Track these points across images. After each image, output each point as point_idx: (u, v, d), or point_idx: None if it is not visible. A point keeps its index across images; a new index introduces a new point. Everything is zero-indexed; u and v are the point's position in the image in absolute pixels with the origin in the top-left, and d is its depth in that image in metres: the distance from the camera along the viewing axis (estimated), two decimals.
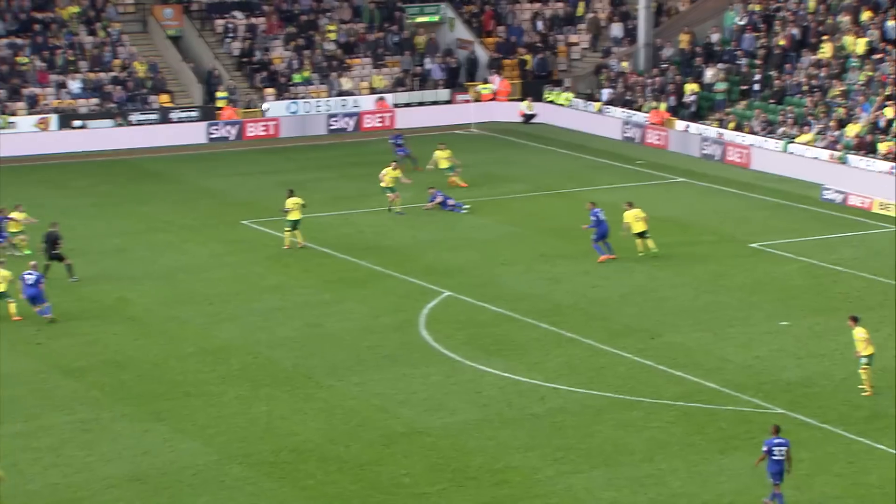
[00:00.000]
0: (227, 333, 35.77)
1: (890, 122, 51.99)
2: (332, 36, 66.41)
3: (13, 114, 57.65)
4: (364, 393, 31.93)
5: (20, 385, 31.75)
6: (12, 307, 36.18)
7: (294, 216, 42.76)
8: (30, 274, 36.09)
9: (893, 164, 49.55)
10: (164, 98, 61.16)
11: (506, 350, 34.70)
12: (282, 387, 32.18)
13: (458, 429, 29.96)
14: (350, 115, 62.89)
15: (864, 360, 31.09)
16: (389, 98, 64.25)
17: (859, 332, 31.24)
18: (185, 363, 33.55)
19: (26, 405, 30.66)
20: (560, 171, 55.44)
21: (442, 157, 52.13)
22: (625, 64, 64.63)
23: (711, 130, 57.72)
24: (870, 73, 55.29)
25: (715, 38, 63.24)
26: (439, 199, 47.92)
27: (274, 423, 30.11)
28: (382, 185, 47.91)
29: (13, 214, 42.35)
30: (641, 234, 42.09)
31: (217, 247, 43.96)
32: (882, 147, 51.04)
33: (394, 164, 48.89)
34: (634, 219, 41.91)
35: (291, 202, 42.81)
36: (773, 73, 58.94)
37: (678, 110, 60.36)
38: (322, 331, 36.14)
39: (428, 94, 65.58)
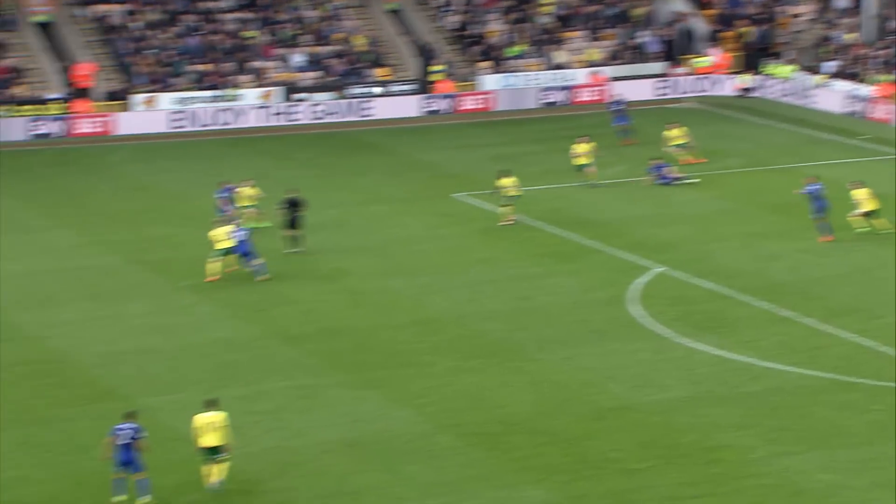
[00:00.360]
0: (438, 305, 36.10)
1: None
2: (548, 9, 66.17)
3: (239, 87, 59.31)
4: (572, 367, 31.79)
5: (242, 351, 32.70)
6: (217, 266, 37.27)
7: (511, 192, 42.53)
8: (237, 231, 37.06)
9: None
10: (382, 71, 62.03)
11: (718, 327, 34.05)
12: (491, 359, 32.30)
13: (669, 405, 29.57)
14: (564, 88, 62.61)
15: None
16: (604, 71, 63.69)
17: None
18: (398, 333, 34.00)
19: (248, 370, 31.56)
20: (778, 146, 54.09)
21: (673, 136, 50.82)
22: (850, 36, 62.48)
23: None
24: None
25: None
26: (661, 171, 47.11)
27: (483, 395, 30.25)
28: (577, 162, 47.31)
29: (242, 189, 43.16)
30: (870, 213, 40.72)
31: (429, 219, 44.39)
32: None
33: (586, 137, 48.05)
34: (866, 196, 40.54)
35: (506, 182, 42.57)
36: None
37: None
38: (531, 304, 36.12)
39: (643, 68, 64.77)
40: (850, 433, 27.94)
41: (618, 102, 54.98)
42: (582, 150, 47.29)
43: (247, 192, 43.08)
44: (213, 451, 25.23)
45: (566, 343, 33.19)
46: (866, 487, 25.64)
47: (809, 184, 41.19)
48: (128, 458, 24.64)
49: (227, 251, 37.12)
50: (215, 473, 25.33)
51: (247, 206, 42.57)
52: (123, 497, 24.93)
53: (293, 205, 39.89)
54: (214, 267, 37.31)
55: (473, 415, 29.19)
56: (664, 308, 35.33)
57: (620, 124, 53.52)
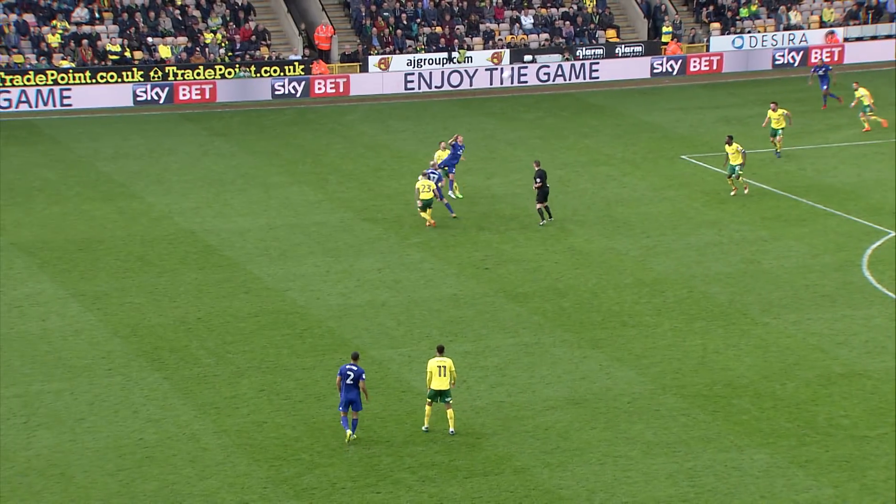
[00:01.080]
0: (663, 266, 35.69)
1: None
2: None
3: (470, 48, 59.67)
4: (800, 332, 31.02)
5: (469, 307, 33.06)
6: (427, 214, 38.45)
7: (736, 160, 41.26)
8: (433, 173, 39.16)
9: None
10: (611, 33, 61.42)
11: None
12: (716, 321, 31.79)
13: None
14: (797, 49, 60.80)
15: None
16: (840, 32, 61.52)
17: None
18: (622, 293, 33.79)
19: (475, 326, 31.90)
20: None
21: (863, 96, 48.84)
22: None
23: None
24: None
25: None
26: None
27: (708, 357, 29.83)
28: (772, 126, 45.11)
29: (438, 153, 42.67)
30: None
31: (656, 180, 43.85)
32: None
33: (774, 104, 45.52)
34: None
35: (731, 149, 41.30)
36: None
37: None
38: (758, 268, 35.36)
39: (882, 28, 62.23)
40: None
41: (820, 68, 52.91)
42: (774, 116, 45.24)
43: (440, 154, 42.56)
44: (441, 395, 25.99)
45: (794, 307, 32.40)
46: None
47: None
48: (351, 396, 25.68)
49: (427, 203, 38.35)
50: (449, 419, 26.15)
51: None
52: (350, 433, 25.91)
53: (541, 177, 39.03)
54: (425, 216, 38.25)
55: (698, 376, 28.83)
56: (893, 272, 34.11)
57: (824, 89, 51.62)
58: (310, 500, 24.01)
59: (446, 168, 41.17)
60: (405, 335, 31.34)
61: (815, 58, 60.04)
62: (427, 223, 38.61)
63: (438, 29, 60.25)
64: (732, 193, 41.22)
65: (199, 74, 55.98)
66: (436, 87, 58.12)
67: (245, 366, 29.76)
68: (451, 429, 26.25)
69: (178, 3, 58.98)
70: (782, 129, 44.86)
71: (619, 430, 26.48)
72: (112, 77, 54.92)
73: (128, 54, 56.30)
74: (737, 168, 40.61)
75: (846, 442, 25.70)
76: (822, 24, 62.06)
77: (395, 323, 32.13)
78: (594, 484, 24.41)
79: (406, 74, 58.02)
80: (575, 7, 62.33)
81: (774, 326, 31.37)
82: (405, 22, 60.40)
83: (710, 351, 30.15)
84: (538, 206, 39.01)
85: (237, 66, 56.68)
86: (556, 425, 26.71)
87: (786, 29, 61.74)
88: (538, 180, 38.99)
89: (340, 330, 31.69)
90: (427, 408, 26.37)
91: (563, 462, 25.20)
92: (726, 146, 41.32)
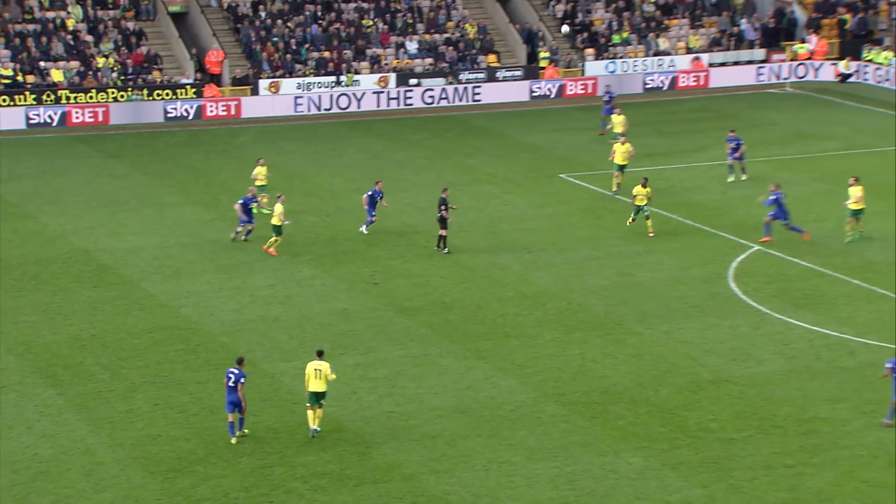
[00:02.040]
0: (543, 280, 36.05)
1: None
2: None
3: (358, 72, 59.68)
4: (672, 341, 31.56)
5: (359, 321, 33.01)
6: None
7: (642, 202, 38.95)
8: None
9: None
10: (492, 58, 61.92)
11: (815, 304, 33.52)
12: (594, 332, 32.19)
13: (766, 378, 29.23)
14: (665, 73, 61.96)
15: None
16: (705, 58, 62.87)
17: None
18: (505, 306, 34.04)
19: (364, 339, 31.86)
20: (876, 131, 52.93)
21: (618, 122, 48.55)
22: None
23: None
24: None
25: None
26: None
27: (586, 366, 30.18)
28: (614, 160, 43.72)
29: (258, 169, 41.94)
30: (856, 214, 38.08)
31: (536, 198, 44.29)
32: None
33: (622, 138, 44.56)
34: (854, 197, 37.79)
35: (644, 191, 38.88)
36: None
37: None
38: (632, 280, 35.90)
39: (743, 54, 63.78)
40: None
41: (607, 93, 53.00)
42: (620, 150, 43.37)
43: (260, 171, 42.02)
44: (317, 397, 26.23)
45: (666, 318, 32.95)
46: None
47: (774, 191, 38.54)
48: (233, 398, 25.94)
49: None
50: (316, 418, 26.27)
51: (259, 186, 41.50)
52: (238, 433, 26.12)
53: (442, 204, 38.01)
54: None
55: (577, 384, 29.16)
56: (761, 285, 34.87)
57: (604, 114, 51.39)
58: None
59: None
60: (297, 349, 31.18)
61: (689, 80, 61.19)
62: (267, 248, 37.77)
63: (327, 54, 60.16)
64: (651, 235, 39.06)
65: (91, 98, 55.13)
66: (325, 109, 58.02)
67: (139, 381, 29.33)
68: (316, 427, 26.30)
69: (71, 28, 58.05)
70: (624, 165, 43.43)
71: (502, 437, 26.65)
72: (4, 101, 53.83)
73: (20, 78, 55.23)
74: (644, 209, 39.05)
75: (714, 444, 26.19)
76: (689, 51, 63.34)
77: (287, 337, 31.94)
78: (479, 489, 24.51)
79: (296, 97, 57.84)
80: (457, 33, 62.74)
81: (648, 336, 31.85)
82: (294, 47, 60.20)
83: (588, 360, 30.51)
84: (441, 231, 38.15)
85: (130, 89, 55.94)
86: (443, 433, 26.78)
87: (655, 54, 62.87)
88: (442, 208, 37.92)
89: (233, 344, 31.41)
90: (308, 412, 26.42)
91: (450, 468, 25.27)
92: (641, 187, 39.11)
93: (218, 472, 25.14)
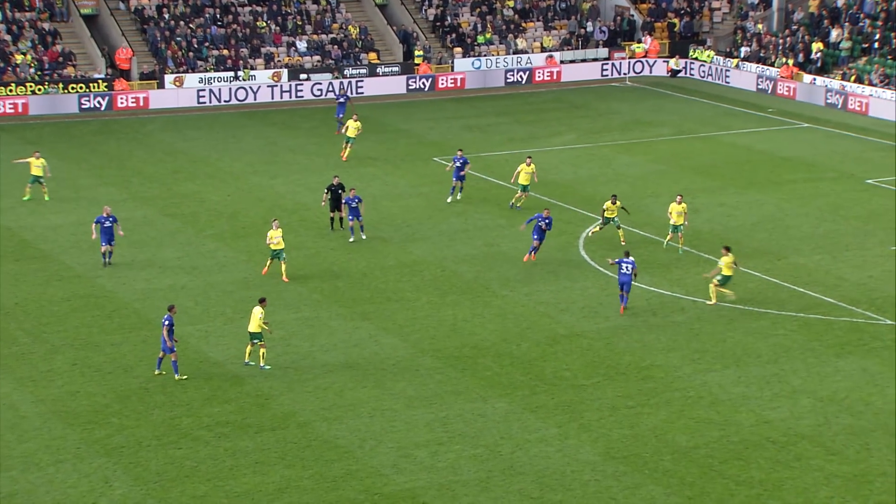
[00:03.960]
0: (420, 250, 36.03)
1: None
2: (511, 3, 65.65)
3: (254, 69, 58.77)
4: (532, 301, 31.84)
5: (257, 288, 32.57)
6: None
7: (679, 220, 34.87)
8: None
9: None
10: (373, 56, 61.50)
11: (651, 268, 34.10)
12: (465, 295, 32.31)
13: (611, 332, 29.68)
14: (524, 70, 62.26)
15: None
16: (557, 56, 63.34)
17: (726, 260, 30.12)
18: (387, 274, 33.94)
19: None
20: (701, 118, 54.00)
21: (352, 126, 45.51)
22: (760, 26, 62.29)
23: (835, 83, 55.32)
24: None
25: (840, 2, 60.43)
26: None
27: (458, 325, 30.29)
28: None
29: (32, 160, 39.08)
30: (676, 228, 35.13)
31: (413, 179, 44.20)
32: None
33: (528, 159, 40.01)
34: (676, 213, 35.09)
35: (609, 205, 35.83)
36: (892, 33, 56.05)
37: (806, 65, 57.98)
38: (497, 250, 36.10)
39: (590, 52, 64.41)
40: (758, 354, 28.12)
41: (343, 96, 50.97)
42: (525, 170, 39.42)
43: (35, 162, 39.48)
44: (255, 336, 27.04)
45: (526, 282, 33.21)
46: (770, 398, 25.86)
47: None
48: (164, 341, 26.46)
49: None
50: (260, 357, 26.85)
51: (37, 179, 38.92)
52: (160, 371, 26.45)
53: (340, 189, 36.76)
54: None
55: (450, 341, 29.24)
56: (607, 252, 35.35)
57: (339, 116, 50.72)
58: (118, 458, 23.26)
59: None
60: (202, 313, 30.67)
61: (544, 75, 61.62)
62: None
63: (226, 52, 59.12)
64: (623, 243, 35.33)
65: (11, 91, 53.36)
66: (224, 101, 57.07)
67: (59, 344, 28.56)
68: (263, 364, 26.77)
69: None
70: (528, 184, 39.65)
71: (385, 387, 26.62)
72: None
73: None
74: (614, 220, 35.80)
75: (568, 390, 26.54)
76: (543, 49, 63.75)
77: (193, 303, 31.40)
78: (365, 433, 24.46)
79: (198, 90, 56.73)
80: (341, 34, 62.17)
81: (511, 298, 32.08)
82: (196, 46, 59.04)
83: (460, 319, 30.61)
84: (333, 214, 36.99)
85: (46, 83, 54.25)
86: (333, 385, 26.64)
87: (514, 53, 63.14)
88: (333, 192, 36.66)
89: (145, 310, 30.76)
90: (248, 346, 27.07)
91: (339, 416, 25.16)
92: (611, 203, 35.46)
93: (131, 423, 24.64)
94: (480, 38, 63.68)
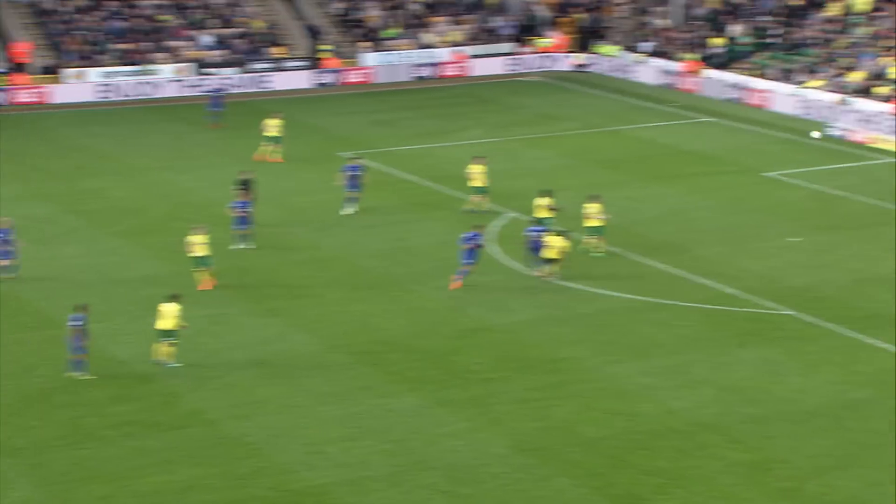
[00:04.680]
0: (330, 245, 35.95)
1: (886, 71, 50.62)
2: None
3: (156, 63, 57.94)
4: (441, 296, 31.98)
5: (163, 285, 32.15)
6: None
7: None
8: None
9: (890, 104, 48.28)
10: (279, 50, 61.06)
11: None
12: (374, 290, 32.33)
13: (519, 326, 29.97)
14: (431, 64, 62.40)
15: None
16: (466, 50, 63.62)
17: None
18: (298, 269, 33.80)
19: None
20: (607, 112, 54.72)
21: (271, 125, 44.58)
22: (663, 20, 63.35)
23: (735, 77, 56.58)
24: (871, 28, 53.77)
25: None
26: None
27: (368, 320, 30.31)
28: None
29: None
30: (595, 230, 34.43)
31: (321, 174, 44.02)
32: (880, 91, 49.83)
33: (479, 158, 39.02)
34: (592, 213, 34.55)
35: (541, 201, 35.34)
36: (789, 29, 57.56)
37: (707, 60, 59.17)
38: (406, 244, 36.18)
39: (496, 47, 64.82)
40: (663, 345, 28.66)
41: (217, 90, 50.86)
42: (476, 170, 38.86)
43: None
44: (167, 334, 26.75)
45: (435, 276, 33.34)
46: (674, 388, 26.39)
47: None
48: (77, 342, 26.19)
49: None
50: (168, 354, 26.51)
51: None
52: (77, 374, 25.86)
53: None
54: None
55: (360, 336, 29.25)
56: (516, 246, 35.66)
57: (214, 110, 49.67)
58: (20, 459, 22.82)
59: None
60: (106, 311, 30.20)
61: (451, 69, 61.80)
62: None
63: (129, 45, 58.16)
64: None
65: None
66: (127, 95, 56.15)
67: None
68: (167, 360, 26.52)
69: None
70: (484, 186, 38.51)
71: (295, 384, 26.53)
72: None
73: None
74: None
75: (477, 384, 26.74)
76: (452, 44, 63.95)
77: (97, 300, 30.89)
78: (274, 430, 24.36)
79: (102, 85, 55.73)
80: (247, 28, 61.60)
81: (420, 293, 32.19)
82: (97, 39, 57.98)
83: (370, 315, 30.63)
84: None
85: None
86: (242, 383, 26.48)
87: (422, 47, 63.24)
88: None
89: (48, 309, 30.19)
90: (159, 344, 26.73)
91: (248, 414, 25.02)
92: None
93: (35, 423, 24.19)
94: (388, 33, 63.64)
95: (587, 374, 27.25)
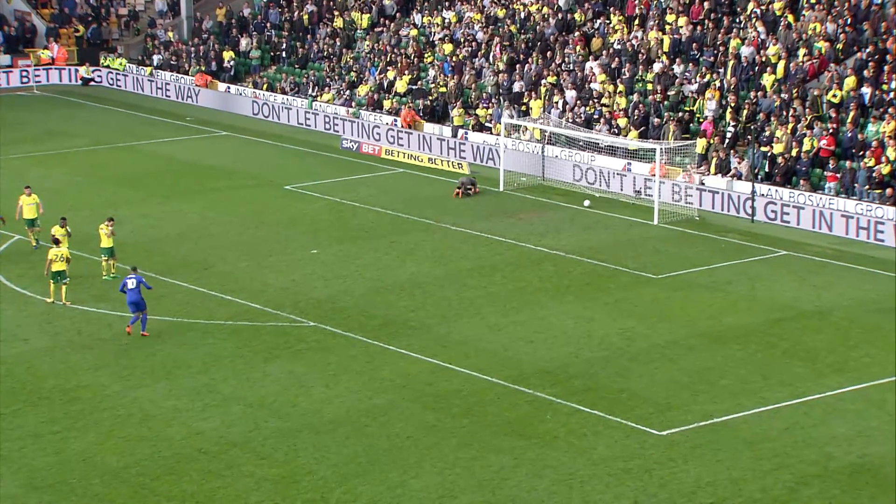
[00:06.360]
0: None
1: (392, 84, 53.86)
2: None
3: None
4: None
5: None
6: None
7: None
8: None
9: (396, 117, 51.39)
10: None
11: (75, 284, 32.96)
12: None
13: (32, 355, 28.43)
14: None
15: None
16: None
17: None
18: None
19: None
20: (119, 128, 53.44)
21: None
22: (170, 34, 63.04)
23: (248, 91, 57.54)
24: (373, 43, 57.09)
25: (246, 12, 63.03)
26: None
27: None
28: None
29: None
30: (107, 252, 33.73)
31: None
32: (386, 104, 52.90)
33: (27, 188, 36.66)
34: (104, 235, 33.69)
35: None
36: (297, 43, 59.57)
37: (219, 74, 59.65)
38: None
39: None
40: (189, 365, 28.43)
41: None
42: (27, 202, 36.08)
43: None
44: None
45: None
46: (201, 408, 26.23)
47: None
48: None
49: None
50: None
51: None
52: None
53: None
54: None
55: None
56: (24, 271, 33.72)
57: None
58: None
59: None
60: None
61: None
62: None
63: None
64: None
65: None
66: None
67: None
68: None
69: None
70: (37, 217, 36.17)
71: None
72: None
73: None
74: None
75: None
76: None
77: None
78: None
79: None
80: None
81: None
82: None
83: None
84: None
85: None
86: None
87: None
88: None
89: None
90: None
91: None
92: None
93: None
94: None
95: (108, 401, 26.36)
